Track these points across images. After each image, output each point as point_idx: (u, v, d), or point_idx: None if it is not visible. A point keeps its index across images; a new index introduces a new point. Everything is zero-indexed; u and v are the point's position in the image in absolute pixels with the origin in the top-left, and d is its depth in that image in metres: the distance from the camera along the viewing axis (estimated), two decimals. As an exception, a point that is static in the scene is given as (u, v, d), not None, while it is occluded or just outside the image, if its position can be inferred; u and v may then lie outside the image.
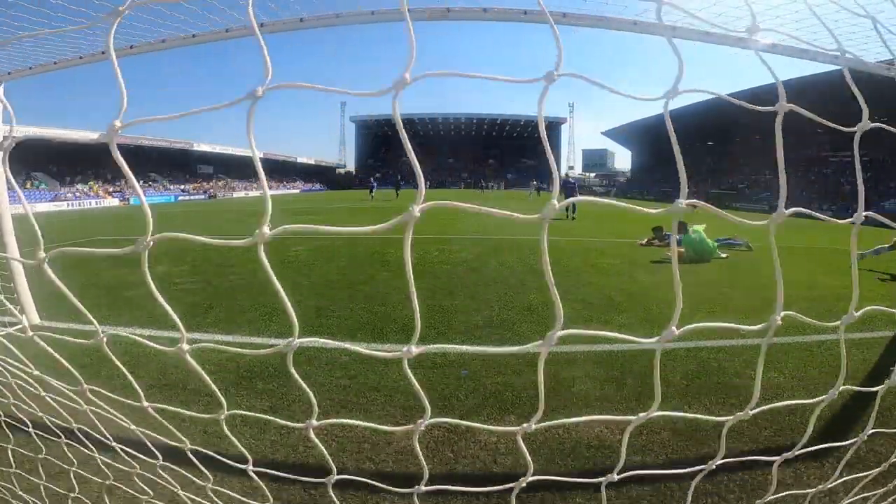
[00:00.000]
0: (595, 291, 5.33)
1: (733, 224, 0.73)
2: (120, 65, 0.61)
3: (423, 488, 0.79)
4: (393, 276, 6.17)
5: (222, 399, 0.76)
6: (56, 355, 0.85)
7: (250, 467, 0.85)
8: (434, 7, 2.81)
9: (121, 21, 0.62)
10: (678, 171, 0.66)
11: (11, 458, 1.46)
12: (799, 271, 6.91)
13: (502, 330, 4.01)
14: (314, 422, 0.75)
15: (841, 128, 0.78)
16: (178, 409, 0.85)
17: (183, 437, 0.97)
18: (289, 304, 0.63)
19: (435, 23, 2.75)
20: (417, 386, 0.69)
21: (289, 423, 0.79)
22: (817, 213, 0.82)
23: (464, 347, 0.83)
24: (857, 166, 0.79)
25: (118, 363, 0.76)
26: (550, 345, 0.65)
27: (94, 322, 0.72)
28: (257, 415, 0.95)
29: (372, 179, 38.61)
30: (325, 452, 0.77)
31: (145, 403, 0.83)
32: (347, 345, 0.80)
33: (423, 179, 0.62)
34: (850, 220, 0.78)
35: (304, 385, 0.69)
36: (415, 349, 0.65)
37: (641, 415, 0.76)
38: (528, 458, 0.73)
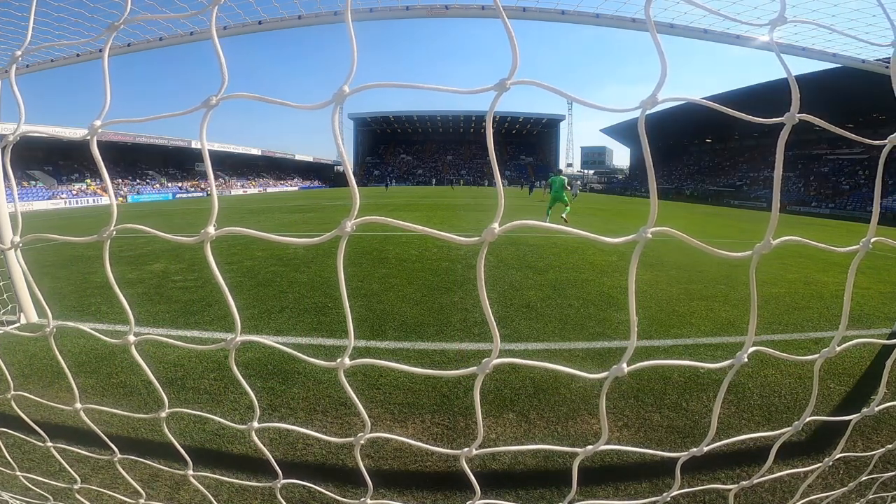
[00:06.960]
0: (593, 289, 5.34)
1: (711, 254, 0.72)
2: (117, 63, 0.61)
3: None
4: (391, 274, 6.17)
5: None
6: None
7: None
8: (434, 4, 2.80)
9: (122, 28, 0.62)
10: (650, 196, 0.65)
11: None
12: (794, 269, 6.94)
13: (500, 327, 4.02)
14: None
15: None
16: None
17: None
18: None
19: (433, 19, 2.74)
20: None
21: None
22: (808, 241, 0.78)
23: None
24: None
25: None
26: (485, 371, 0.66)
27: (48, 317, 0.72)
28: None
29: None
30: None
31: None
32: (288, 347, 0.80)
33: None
34: (853, 247, 0.75)
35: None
36: (348, 361, 0.66)
37: (589, 448, 0.75)
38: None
